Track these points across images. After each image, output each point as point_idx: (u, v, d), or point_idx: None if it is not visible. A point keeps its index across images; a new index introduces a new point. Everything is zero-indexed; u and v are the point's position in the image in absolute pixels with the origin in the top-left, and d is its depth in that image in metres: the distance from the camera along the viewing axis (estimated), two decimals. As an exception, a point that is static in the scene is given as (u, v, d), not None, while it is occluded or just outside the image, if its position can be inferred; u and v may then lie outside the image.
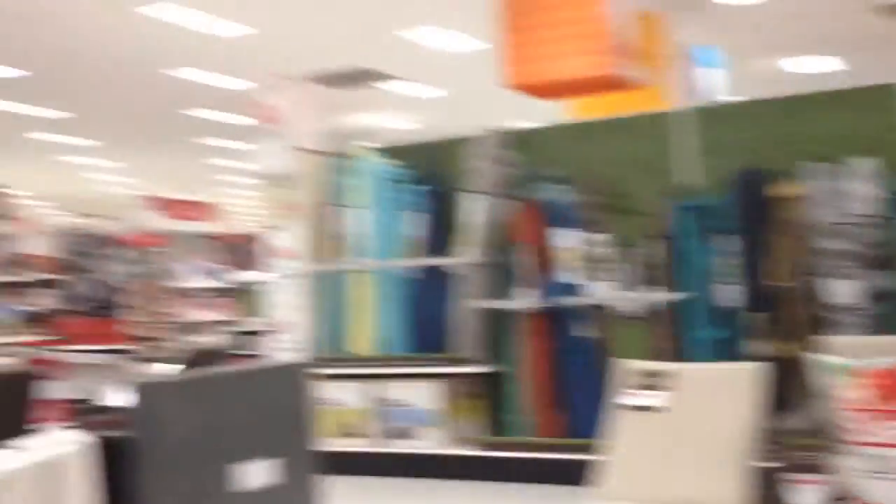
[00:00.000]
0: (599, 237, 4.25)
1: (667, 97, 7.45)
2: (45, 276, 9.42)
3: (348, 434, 4.88)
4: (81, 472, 2.08)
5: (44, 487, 2.04)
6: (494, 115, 13.46)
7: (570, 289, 4.27)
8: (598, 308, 4.25)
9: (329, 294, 5.31)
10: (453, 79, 11.92)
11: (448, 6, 8.88)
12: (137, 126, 14.19)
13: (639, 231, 4.20)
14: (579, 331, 4.32)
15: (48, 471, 2.05)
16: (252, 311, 9.26)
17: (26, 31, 8.98)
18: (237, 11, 8.64)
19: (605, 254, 4.23)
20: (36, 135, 14.81)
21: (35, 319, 9.33)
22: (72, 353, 7.99)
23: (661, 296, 4.06)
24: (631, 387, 2.54)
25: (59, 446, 2.07)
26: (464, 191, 4.94)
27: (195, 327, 8.62)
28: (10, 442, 2.01)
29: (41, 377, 4.46)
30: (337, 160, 5.60)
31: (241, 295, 9.38)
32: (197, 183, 19.08)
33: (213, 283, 9.06)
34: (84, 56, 10.03)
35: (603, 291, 4.20)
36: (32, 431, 3.60)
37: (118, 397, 4.09)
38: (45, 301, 9.46)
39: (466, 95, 12.89)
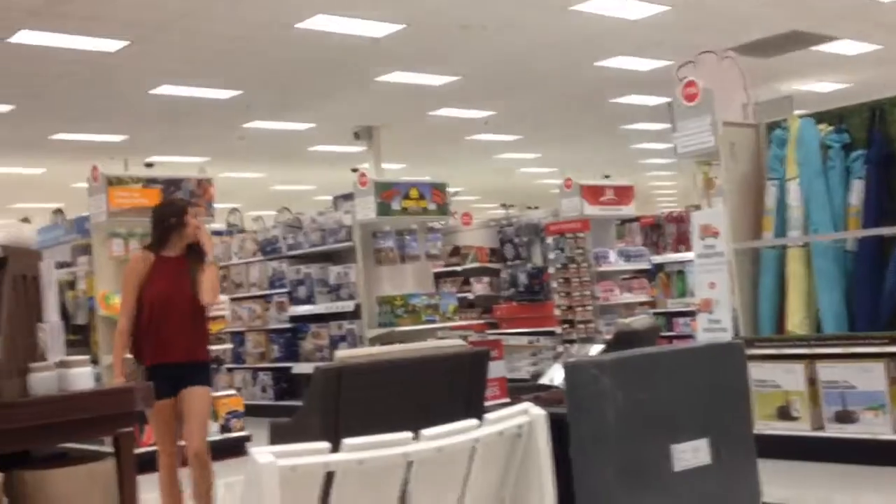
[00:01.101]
0: None
1: None
2: (480, 265, 10.14)
3: (784, 417, 4.61)
4: (540, 442, 2.19)
5: (509, 455, 2.17)
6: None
7: None
8: None
9: (763, 271, 5.05)
10: (883, 32, 10.78)
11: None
12: (563, 117, 14.73)
13: None
14: None
15: (514, 440, 2.18)
16: (675, 292, 9.16)
17: (463, 42, 9.74)
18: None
19: None
20: (473, 136, 15.99)
21: (471, 305, 10.09)
22: (505, 336, 8.50)
23: None
24: None
25: (516, 417, 2.17)
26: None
27: (618, 309, 8.71)
28: (469, 415, 2.15)
29: (492, 357, 4.83)
30: (766, 131, 5.31)
31: (664, 277, 9.32)
32: (619, 167, 19.38)
33: (635, 266, 9.09)
34: (514, 58, 10.64)
35: None
36: (486, 405, 3.93)
37: (554, 375, 4.25)
38: (481, 287, 10.19)
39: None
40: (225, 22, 8.67)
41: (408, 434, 1.94)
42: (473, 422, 1.95)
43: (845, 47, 11.38)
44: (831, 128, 4.93)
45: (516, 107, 13.77)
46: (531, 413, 1.47)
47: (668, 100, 5.97)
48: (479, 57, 10.58)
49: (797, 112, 5.66)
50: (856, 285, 4.60)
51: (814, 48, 11.27)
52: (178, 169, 11.52)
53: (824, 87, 13.74)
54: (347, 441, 1.85)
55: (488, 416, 1.68)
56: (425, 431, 1.96)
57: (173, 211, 4.41)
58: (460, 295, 9.65)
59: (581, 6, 8.97)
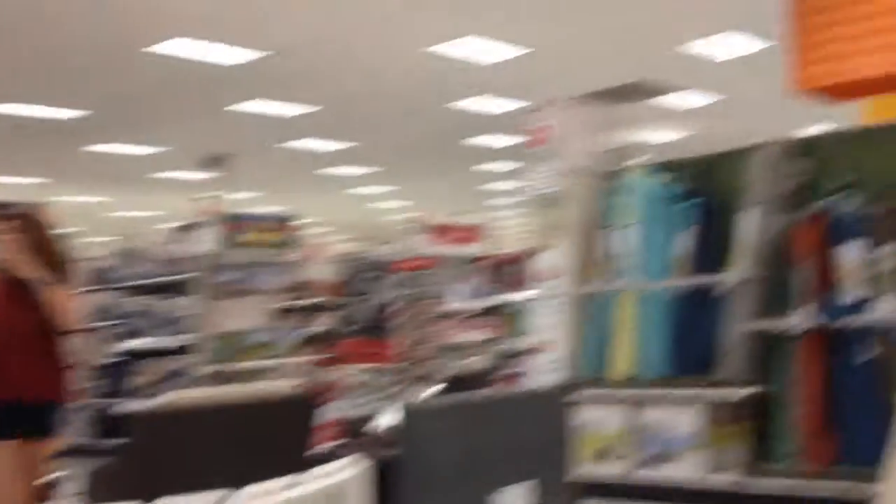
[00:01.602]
0: (888, 250, 3.78)
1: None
2: (324, 299, 9.99)
3: (605, 459, 4.68)
4: (360, 498, 2.10)
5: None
6: (768, 121, 12.73)
7: (852, 306, 3.83)
8: (882, 327, 3.78)
9: (593, 315, 5.15)
10: (725, 85, 11.40)
11: (717, 12, 8.49)
12: (416, 153, 14.86)
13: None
14: (861, 352, 3.87)
15: (330, 498, 2.07)
16: (516, 331, 9.27)
17: (320, 70, 9.65)
18: (515, 34, 8.77)
19: (893, 268, 3.76)
20: (325, 170, 15.87)
21: (313, 341, 9.92)
22: (345, 373, 8.39)
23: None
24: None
25: (340, 472, 2.08)
26: (738, 204, 4.61)
27: (461, 348, 8.75)
28: (293, 467, 2.05)
29: (320, 401, 4.68)
30: (606, 179, 5.44)
31: (507, 316, 9.43)
32: (469, 204, 19.69)
33: (479, 305, 9.17)
34: (371, 92, 10.64)
35: (889, 309, 3.73)
36: (312, 454, 3.78)
37: (388, 418, 4.18)
38: (323, 323, 10.04)
39: (739, 102, 12.27)
40: (70, 40, 8.30)
41: (216, 495, 1.82)
42: (294, 478, 1.84)
43: (686, 99, 11.96)
44: (668, 177, 5.09)
45: (371, 141, 13.79)
46: (356, 466, 1.41)
47: (519, 141, 6.10)
48: (335, 90, 10.54)
49: (638, 160, 5.84)
50: (680, 330, 4.75)
51: (658, 99, 11.80)
52: (12, 191, 10.90)
53: (665, 136, 14.39)
54: None
55: (312, 471, 1.60)
56: (236, 494, 1.85)
57: None
58: (303, 330, 9.47)
59: (438, 48, 9.09)
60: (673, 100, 11.92)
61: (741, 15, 8.53)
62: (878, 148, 4.23)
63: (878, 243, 3.80)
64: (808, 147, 4.49)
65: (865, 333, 3.82)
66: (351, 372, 7.79)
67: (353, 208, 20.88)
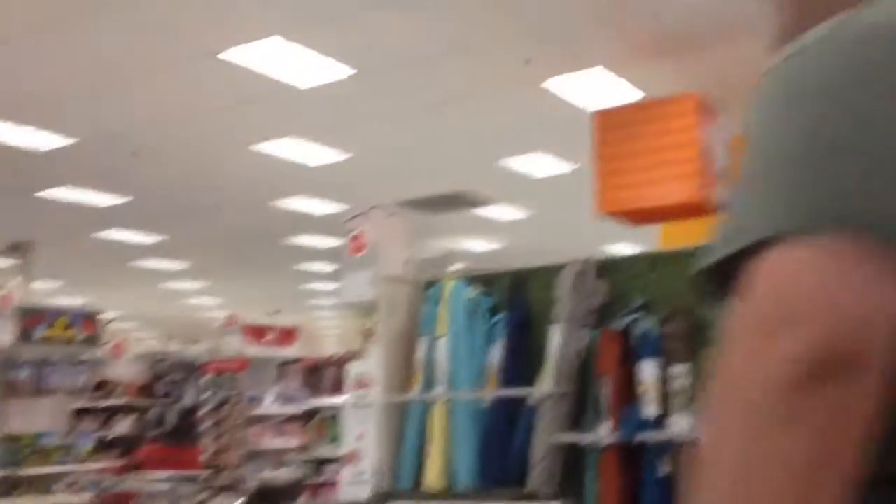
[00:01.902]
0: (683, 369, 4.01)
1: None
2: (128, 401, 9.52)
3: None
4: None
5: None
6: (578, 237, 13.38)
7: (651, 422, 4.02)
8: (679, 443, 3.99)
9: (405, 424, 5.15)
10: (537, 201, 11.94)
11: (533, 133, 8.95)
12: (235, 250, 14.59)
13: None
14: (659, 466, 4.05)
15: None
16: (330, 438, 9.13)
17: (133, 160, 9.39)
18: (338, 139, 8.90)
19: (686, 386, 3.99)
20: (138, 262, 15.31)
21: (113, 445, 9.39)
22: (146, 481, 7.95)
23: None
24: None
25: None
26: (547, 319, 4.79)
27: (271, 455, 8.50)
28: None
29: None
30: (422, 288, 5.53)
31: (319, 422, 9.28)
32: (290, 304, 19.41)
33: (291, 409, 8.99)
34: (188, 185, 10.43)
35: (683, 426, 3.94)
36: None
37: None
38: (125, 426, 9.54)
39: (550, 218, 12.88)
40: None
41: None
42: None
43: (501, 212, 12.43)
44: (479, 290, 5.23)
45: (187, 236, 13.47)
46: None
47: (341, 243, 6.13)
48: (152, 182, 10.29)
49: (453, 269, 5.99)
50: (489, 442, 4.82)
51: (474, 210, 12.20)
52: None
53: (480, 246, 14.84)
54: None
55: None
56: None
57: None
58: (101, 434, 8.96)
59: (262, 146, 9.09)
60: (489, 212, 12.38)
61: (554, 138, 9.03)
62: (668, 272, 4.54)
63: (670, 363, 4.04)
64: (609, 267, 4.76)
65: (662, 449, 4.02)
66: (152, 480, 7.39)
67: (166, 304, 20.16)
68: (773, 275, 0.72)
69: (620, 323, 4.30)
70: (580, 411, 4.36)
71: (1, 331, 7.20)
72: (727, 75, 7.23)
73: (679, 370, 4.00)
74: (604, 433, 4.09)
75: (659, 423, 3.99)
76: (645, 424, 3.97)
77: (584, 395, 4.34)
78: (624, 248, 14.20)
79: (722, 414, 0.71)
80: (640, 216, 6.58)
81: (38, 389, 7.16)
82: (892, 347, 0.69)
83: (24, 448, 6.88)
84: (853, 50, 0.79)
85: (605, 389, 4.14)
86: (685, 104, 6.57)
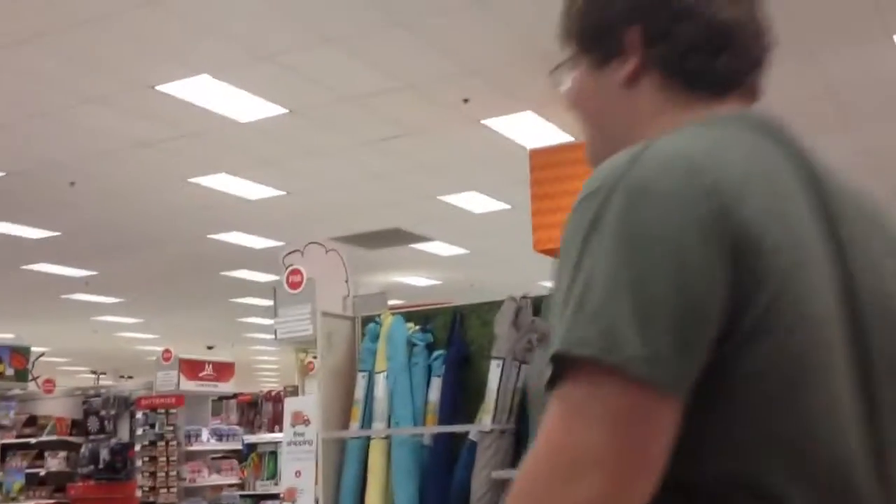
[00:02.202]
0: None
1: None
2: (59, 437, 9.30)
3: None
4: None
5: None
6: (518, 273, 13.54)
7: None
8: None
9: (347, 461, 5.15)
10: (477, 237, 12.06)
11: (473, 169, 9.06)
12: (171, 284, 14.39)
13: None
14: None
15: None
16: (265, 474, 9.03)
17: (68, 197, 9.25)
18: (277, 174, 8.90)
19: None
20: (70, 296, 15.02)
21: (45, 482, 9.16)
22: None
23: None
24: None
25: None
26: (485, 355, 4.85)
27: (205, 491, 8.38)
28: None
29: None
30: (361, 324, 5.55)
31: (256, 458, 9.18)
32: (225, 339, 19.17)
33: (227, 446, 8.88)
34: (122, 220, 10.30)
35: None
36: None
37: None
38: (56, 463, 9.31)
39: (490, 254, 13.01)
40: None
41: None
42: None
43: (439, 248, 12.53)
44: (418, 327, 5.28)
45: (121, 269, 13.27)
46: None
47: (277, 278, 6.12)
48: (84, 215, 10.15)
49: (391, 303, 6.03)
50: (428, 479, 4.85)
51: (412, 245, 12.27)
52: None
53: (418, 281, 14.90)
54: None
55: None
56: None
57: None
58: (31, 471, 8.74)
59: (200, 179, 9.04)
60: (429, 247, 12.46)
61: (493, 175, 9.16)
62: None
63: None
64: (546, 305, 4.86)
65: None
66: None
67: (100, 338, 19.76)
68: (552, 423, 0.88)
69: (558, 360, 4.38)
70: (521, 447, 4.42)
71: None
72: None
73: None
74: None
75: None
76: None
77: (525, 430, 4.40)
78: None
79: None
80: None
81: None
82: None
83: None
84: (630, 204, 0.89)
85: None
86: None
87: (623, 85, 1.10)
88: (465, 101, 7.13)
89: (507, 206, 10.41)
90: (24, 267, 12.72)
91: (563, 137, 7.71)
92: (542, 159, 6.79)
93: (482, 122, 7.63)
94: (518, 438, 4.44)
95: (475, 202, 10.31)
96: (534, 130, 7.67)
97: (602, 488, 0.84)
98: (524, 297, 4.78)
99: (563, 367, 0.87)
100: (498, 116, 7.50)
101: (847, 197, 1.03)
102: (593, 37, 1.13)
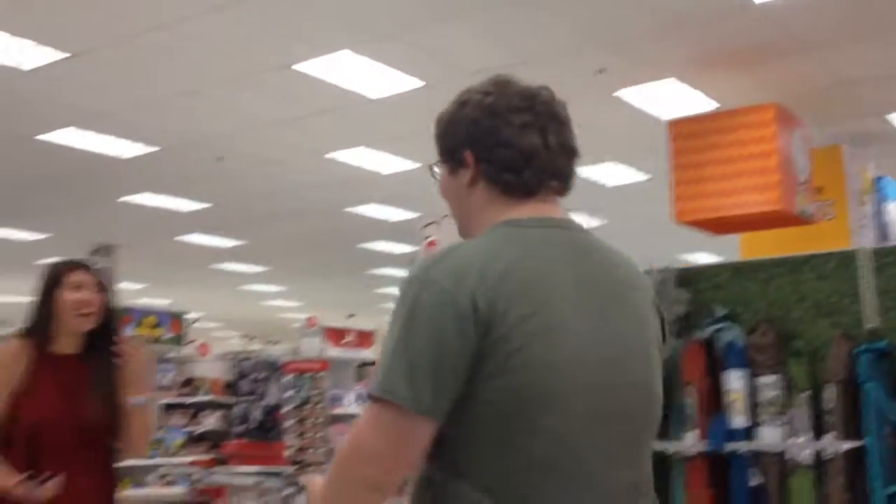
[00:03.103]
0: (769, 379, 4.05)
1: (846, 233, 7.19)
2: (213, 398, 9.81)
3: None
4: None
5: None
6: (653, 247, 13.34)
7: (736, 433, 4.07)
8: (766, 455, 4.03)
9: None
10: (611, 210, 11.95)
11: (607, 142, 9.00)
12: (313, 255, 14.86)
13: (811, 374, 3.99)
14: (745, 478, 4.09)
15: None
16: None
17: (216, 172, 9.69)
18: (411, 148, 9.07)
19: (775, 397, 4.03)
20: (218, 265, 15.71)
21: (202, 439, 9.68)
22: (233, 475, 8.19)
23: (835, 444, 3.82)
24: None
25: None
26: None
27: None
28: None
29: None
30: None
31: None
32: (364, 309, 19.67)
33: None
34: (265, 192, 10.71)
35: (772, 437, 3.98)
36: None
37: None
38: (211, 421, 9.83)
39: (625, 227, 12.88)
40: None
41: None
42: None
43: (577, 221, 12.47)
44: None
45: (266, 240, 13.79)
46: None
47: (415, 249, 6.26)
48: (232, 188, 10.59)
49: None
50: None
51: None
52: None
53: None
54: None
55: None
56: None
57: (49, 275, 2.92)
58: (189, 429, 9.25)
59: (337, 154, 9.30)
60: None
61: (627, 147, 9.06)
62: (750, 282, 4.57)
63: (757, 373, 4.08)
64: (691, 276, 4.80)
65: (752, 459, 4.05)
66: (240, 473, 7.64)
67: (246, 305, 20.59)
68: (360, 426, 1.45)
69: (704, 332, 4.35)
70: (665, 420, 4.41)
71: (93, 330, 7.47)
72: (803, 86, 7.20)
73: (767, 381, 4.04)
74: (691, 442, 4.14)
75: (748, 433, 4.03)
76: (734, 434, 4.01)
77: (670, 403, 4.40)
78: (701, 258, 14.13)
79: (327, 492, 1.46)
80: (720, 225, 6.59)
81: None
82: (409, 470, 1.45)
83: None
84: (419, 294, 1.43)
85: (691, 399, 4.19)
86: (763, 114, 6.57)
87: (466, 187, 1.63)
88: (600, 71, 7.08)
89: (644, 178, 10.28)
90: (177, 238, 13.38)
91: (706, 105, 7.56)
92: (683, 129, 6.69)
93: (618, 92, 7.57)
94: (664, 411, 4.45)
95: (609, 174, 10.22)
96: (675, 98, 7.55)
97: (377, 472, 1.41)
98: (667, 269, 4.75)
99: (372, 397, 1.43)
100: (636, 85, 7.42)
101: (607, 266, 1.63)
102: (447, 153, 1.69)
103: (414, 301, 1.42)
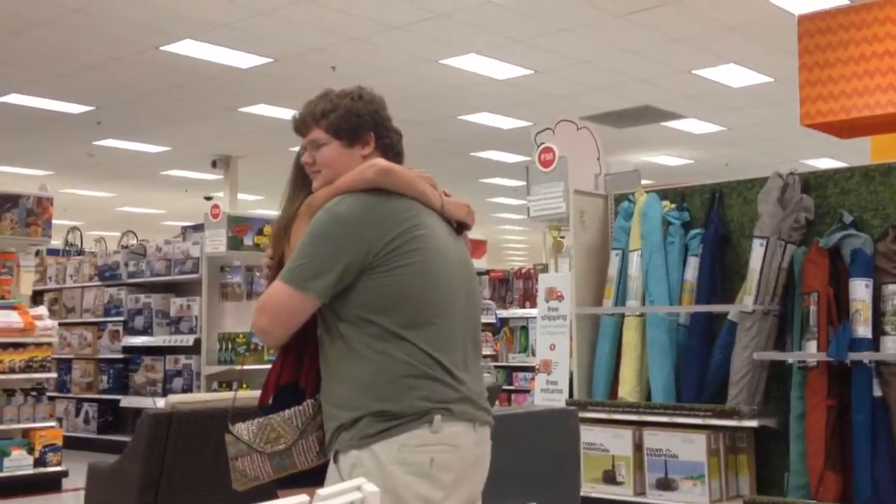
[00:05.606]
0: (892, 289, 3.83)
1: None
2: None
3: (610, 481, 4.74)
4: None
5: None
6: (776, 152, 12.80)
7: (859, 343, 3.87)
8: (889, 366, 3.83)
9: (601, 337, 5.20)
10: (727, 114, 11.46)
11: (730, 41, 8.57)
12: (425, 164, 14.84)
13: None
14: (867, 388, 3.91)
15: None
16: (517, 347, 9.33)
17: (330, 82, 9.71)
18: (525, 53, 8.84)
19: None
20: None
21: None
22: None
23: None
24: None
25: (351, 495, 1.95)
26: (744, 234, 4.68)
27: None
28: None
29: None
30: (614, 202, 5.50)
31: (508, 331, 9.48)
32: (477, 216, 19.69)
33: (483, 320, 9.21)
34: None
35: (894, 347, 3.78)
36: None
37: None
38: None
39: (747, 131, 12.33)
40: (85, 36, 8.36)
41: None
42: (303, 498, 1.88)
43: (692, 125, 12.03)
44: (673, 205, 5.15)
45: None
46: (364, 490, 1.41)
47: (526, 159, 6.16)
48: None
49: (643, 183, 5.89)
50: (685, 358, 4.80)
51: (663, 124, 11.86)
52: (16, 182, 10.91)
53: (670, 160, 14.45)
54: None
55: (319, 492, 1.60)
56: None
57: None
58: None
59: (450, 60, 9.16)
60: (682, 125, 12.01)
61: (752, 46, 8.61)
62: (881, 187, 4.30)
63: (883, 282, 3.86)
64: (816, 182, 4.56)
65: (876, 370, 3.87)
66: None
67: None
68: (270, 292, 2.03)
69: (829, 240, 4.13)
70: (785, 329, 4.25)
71: (214, 239, 7.69)
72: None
73: (894, 289, 3.82)
74: (812, 352, 3.98)
75: (872, 343, 3.84)
76: (858, 344, 3.83)
77: (789, 312, 4.23)
78: (826, 163, 13.48)
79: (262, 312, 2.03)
80: (849, 128, 6.20)
81: (249, 293, 7.66)
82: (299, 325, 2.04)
83: (239, 345, 7.41)
84: (325, 218, 2.06)
85: (813, 307, 4.01)
86: (901, 7, 6.08)
87: (361, 159, 2.18)
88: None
89: (770, 79, 9.77)
90: (293, 149, 13.58)
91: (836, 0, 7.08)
92: (813, 25, 6.26)
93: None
94: (783, 320, 4.28)
95: (733, 75, 9.75)
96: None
97: (268, 321, 2.01)
98: (791, 174, 4.52)
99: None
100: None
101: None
102: (350, 132, 2.20)
103: (316, 225, 2.09)
